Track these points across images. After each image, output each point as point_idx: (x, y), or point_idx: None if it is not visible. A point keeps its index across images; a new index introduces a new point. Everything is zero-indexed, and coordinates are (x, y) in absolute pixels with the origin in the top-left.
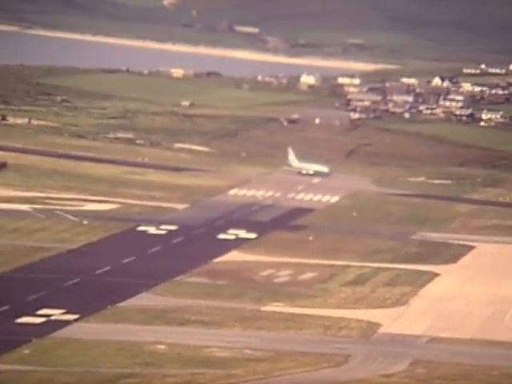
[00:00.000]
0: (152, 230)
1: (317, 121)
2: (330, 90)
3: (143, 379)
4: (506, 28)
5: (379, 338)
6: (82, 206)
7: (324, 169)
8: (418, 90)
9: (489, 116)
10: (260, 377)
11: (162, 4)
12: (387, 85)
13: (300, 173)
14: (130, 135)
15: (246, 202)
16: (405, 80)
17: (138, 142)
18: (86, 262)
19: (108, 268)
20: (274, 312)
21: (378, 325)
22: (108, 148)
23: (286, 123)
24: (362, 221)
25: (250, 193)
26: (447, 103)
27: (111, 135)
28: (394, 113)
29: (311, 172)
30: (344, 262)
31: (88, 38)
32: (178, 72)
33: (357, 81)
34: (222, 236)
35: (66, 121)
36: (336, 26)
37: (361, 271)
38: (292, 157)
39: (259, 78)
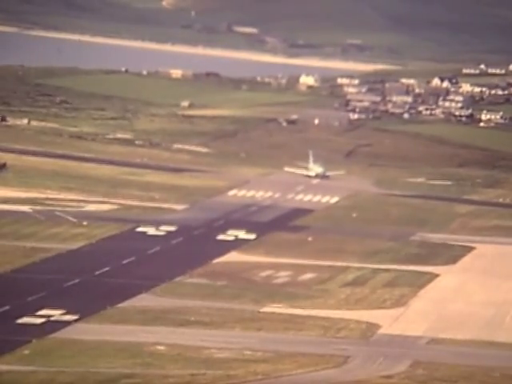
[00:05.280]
0: (151, 230)
1: (316, 121)
2: (329, 91)
3: (143, 380)
4: (505, 28)
5: (379, 339)
6: (81, 206)
7: (339, 172)
8: (417, 91)
9: (488, 116)
10: (260, 377)
11: (161, 5)
12: (386, 85)
13: (308, 175)
14: (129, 136)
15: (246, 203)
16: (404, 80)
17: (137, 142)
18: (85, 262)
19: (107, 269)
20: (274, 313)
21: (377, 326)
22: (107, 149)
23: (285, 124)
24: (362, 221)
25: (250, 193)
26: (447, 104)
27: (110, 136)
28: (393, 113)
29: (312, 174)
30: (343, 263)
31: (87, 38)
32: (176, 73)
33: (356, 81)
34: (221, 237)
35: (66, 122)
36: (335, 26)
37: (360, 272)
38: (311, 160)
39: (258, 78)
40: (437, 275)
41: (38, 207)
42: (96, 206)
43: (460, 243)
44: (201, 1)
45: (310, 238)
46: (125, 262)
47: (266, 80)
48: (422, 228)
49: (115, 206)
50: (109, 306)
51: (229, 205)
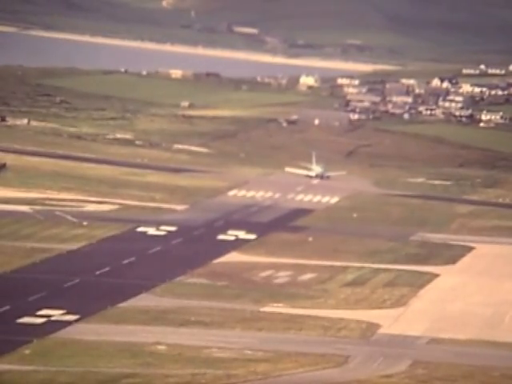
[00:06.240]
0: (152, 230)
1: (316, 122)
2: (329, 91)
3: (144, 379)
4: (505, 28)
5: (379, 339)
6: (81, 206)
7: (340, 172)
8: (417, 91)
9: (488, 117)
10: (260, 377)
11: (161, 5)
12: (387, 86)
13: (309, 176)
14: (129, 136)
15: (246, 203)
16: (404, 81)
17: (137, 142)
18: (85, 262)
19: (108, 269)
20: (274, 313)
21: (377, 325)
22: (107, 149)
23: (285, 124)
24: (362, 222)
25: (250, 194)
26: (447, 104)
27: (110, 136)
28: (393, 114)
29: (313, 174)
30: (343, 263)
31: (87, 38)
32: (176, 73)
33: (356, 82)
34: (221, 237)
35: (65, 122)
36: (335, 26)
37: (360, 272)
38: (314, 161)
39: (258, 78)
40: (437, 275)
41: (38, 207)
42: (96, 206)
43: (460, 243)
44: (201, 1)
45: (310, 238)
46: (125, 261)
47: (266, 80)
48: (422, 228)
49: (115, 206)
50: (109, 305)
51: (229, 205)
